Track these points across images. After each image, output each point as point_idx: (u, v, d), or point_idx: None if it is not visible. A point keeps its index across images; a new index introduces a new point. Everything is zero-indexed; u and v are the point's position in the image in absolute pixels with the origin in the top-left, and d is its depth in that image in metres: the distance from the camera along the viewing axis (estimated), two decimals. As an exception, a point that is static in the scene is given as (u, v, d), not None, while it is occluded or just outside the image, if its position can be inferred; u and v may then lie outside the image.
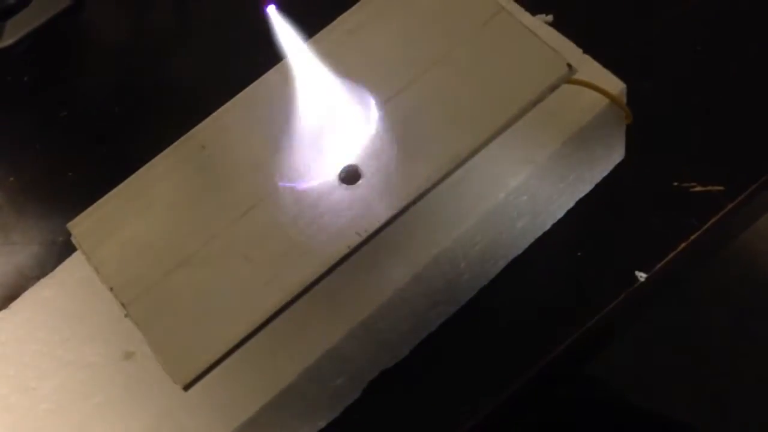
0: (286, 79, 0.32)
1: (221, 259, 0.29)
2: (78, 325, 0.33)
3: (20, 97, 0.49)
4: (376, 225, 0.29)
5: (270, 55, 0.34)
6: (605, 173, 0.39)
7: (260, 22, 0.48)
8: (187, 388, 0.27)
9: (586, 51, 0.36)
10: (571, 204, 0.38)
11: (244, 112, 0.32)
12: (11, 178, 0.46)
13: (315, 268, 0.29)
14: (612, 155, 0.38)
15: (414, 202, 0.30)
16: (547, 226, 0.38)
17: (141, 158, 0.33)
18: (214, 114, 0.32)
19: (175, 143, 0.32)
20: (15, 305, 0.35)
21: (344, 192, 0.30)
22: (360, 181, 0.30)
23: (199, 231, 0.30)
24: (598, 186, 0.39)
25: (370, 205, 0.29)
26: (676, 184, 0.38)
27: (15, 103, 0.49)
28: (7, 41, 0.50)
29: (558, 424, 0.56)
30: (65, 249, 0.38)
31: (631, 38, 0.42)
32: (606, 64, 0.36)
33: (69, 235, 0.43)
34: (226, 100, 0.33)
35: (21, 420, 0.32)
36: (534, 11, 0.40)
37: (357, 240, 0.29)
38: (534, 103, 0.30)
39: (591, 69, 0.35)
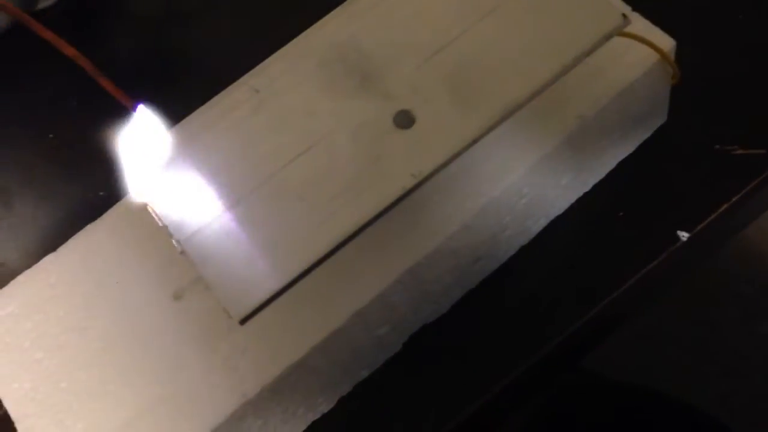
0: (339, 28, 0.32)
1: (276, 199, 0.29)
2: (127, 268, 0.34)
3: (59, 56, 0.49)
4: (431, 167, 0.29)
5: (310, 16, 0.35)
6: (647, 135, 0.39)
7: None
8: (243, 322, 0.28)
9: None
10: (613, 164, 0.39)
11: (297, 58, 0.32)
12: (51, 135, 0.47)
13: (370, 209, 0.29)
14: (656, 116, 0.38)
15: (468, 147, 0.30)
16: (589, 186, 0.38)
17: (180, 117, 0.33)
18: (268, 60, 0.33)
19: (229, 87, 0.32)
20: (64, 248, 0.35)
21: (399, 135, 0.30)
22: (414, 126, 0.30)
23: (254, 171, 0.30)
24: (639, 147, 0.39)
25: (425, 148, 0.30)
26: (717, 146, 0.39)
27: (53, 63, 0.49)
28: (47, 2, 0.50)
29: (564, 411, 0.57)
30: (106, 204, 0.38)
31: (675, 1, 0.42)
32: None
33: (109, 190, 0.43)
34: (267, 56, 0.33)
35: (73, 357, 0.32)
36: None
37: (412, 182, 0.29)
38: (588, 53, 0.31)
39: (640, 25, 0.35)
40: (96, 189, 0.44)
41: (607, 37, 0.31)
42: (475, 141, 0.30)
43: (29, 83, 0.49)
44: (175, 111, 0.46)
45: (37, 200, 0.45)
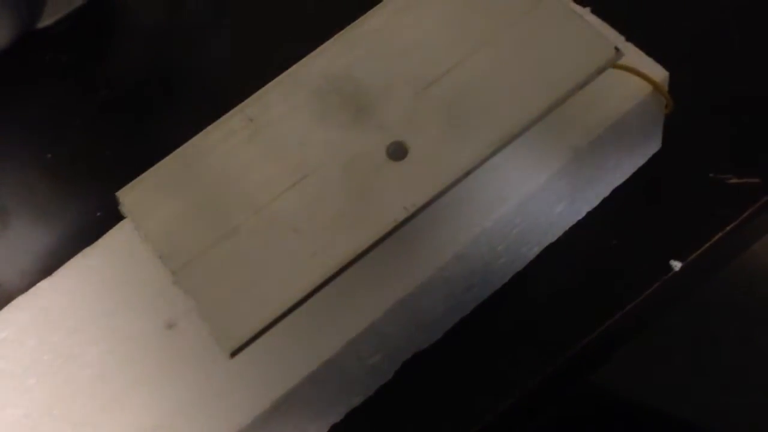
0: (334, 57, 0.33)
1: (269, 230, 0.30)
2: (121, 295, 0.34)
3: (59, 75, 0.50)
4: (424, 200, 0.29)
5: (310, 35, 0.35)
6: (641, 162, 0.39)
7: (298, 7, 0.48)
8: (233, 354, 0.28)
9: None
10: (607, 192, 0.39)
11: (291, 87, 0.32)
12: (49, 155, 0.47)
13: (362, 241, 0.29)
14: (650, 144, 0.38)
15: (460, 179, 0.30)
16: (582, 214, 0.38)
17: (178, 136, 0.33)
18: (263, 89, 0.33)
19: (224, 116, 0.32)
20: (58, 273, 0.35)
21: (392, 167, 0.30)
22: (407, 157, 0.30)
23: (248, 201, 0.30)
24: (633, 175, 0.39)
25: (418, 180, 0.30)
26: (712, 175, 0.39)
27: (54, 82, 0.50)
28: (47, 20, 0.50)
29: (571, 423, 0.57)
30: (103, 224, 0.39)
31: (668, 29, 0.42)
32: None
33: (106, 210, 0.44)
34: (265, 79, 0.34)
35: (64, 384, 0.32)
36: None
37: (404, 214, 0.29)
38: (581, 86, 0.31)
39: (633, 56, 0.35)
40: (94, 209, 0.44)
41: (600, 71, 0.31)
42: (467, 173, 0.30)
43: (28, 102, 0.49)
44: (175, 128, 0.46)
45: (34, 220, 0.45)
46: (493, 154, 0.30)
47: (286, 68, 0.34)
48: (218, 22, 0.50)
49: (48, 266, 0.40)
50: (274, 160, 0.31)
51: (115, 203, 0.33)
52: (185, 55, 0.49)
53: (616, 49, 0.31)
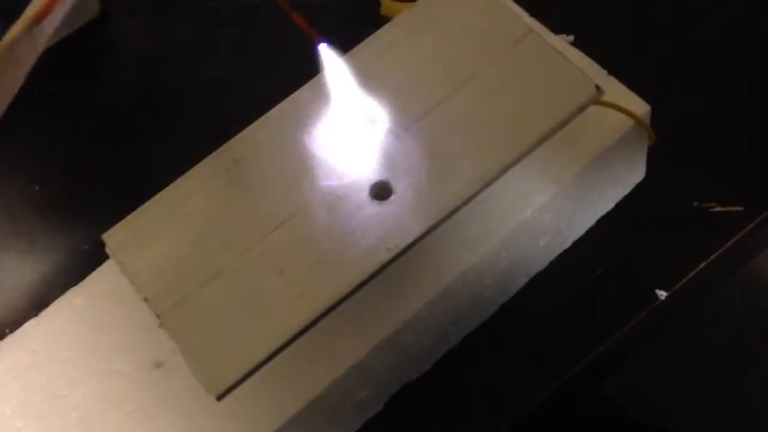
0: (319, 95, 0.33)
1: (255, 272, 0.30)
2: (108, 334, 0.34)
3: (45, 106, 0.50)
4: (408, 241, 0.30)
5: (293, 70, 0.35)
6: (626, 192, 0.39)
7: (284, 36, 0.48)
8: (220, 398, 0.28)
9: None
10: (592, 222, 0.39)
11: (277, 127, 0.33)
12: (36, 187, 0.47)
13: (347, 283, 0.29)
14: (633, 175, 0.39)
15: (444, 219, 0.30)
16: (568, 244, 0.39)
17: (165, 168, 0.34)
18: (248, 128, 0.33)
19: (209, 156, 0.32)
20: (45, 313, 0.35)
21: (375, 208, 0.30)
22: (391, 198, 0.30)
23: (233, 243, 0.30)
24: (618, 205, 0.39)
25: (402, 221, 0.30)
26: (696, 203, 0.39)
27: (40, 113, 0.50)
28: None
29: None
30: (91, 257, 0.39)
31: (651, 59, 0.43)
32: (625, 85, 0.37)
33: (94, 243, 0.43)
34: (251, 111, 0.34)
35: (52, 427, 0.32)
36: (555, 32, 0.41)
37: (388, 255, 0.29)
38: (563, 124, 0.31)
39: (615, 90, 0.35)
40: (81, 242, 0.44)
41: (582, 109, 0.31)
42: (452, 213, 0.30)
43: (15, 133, 0.49)
44: (163, 159, 0.46)
45: (22, 254, 0.45)
46: (477, 193, 0.30)
47: (276, 97, 0.34)
48: (204, 53, 0.50)
49: (36, 300, 0.39)
50: (259, 201, 0.31)
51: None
52: (173, 85, 0.49)
53: (597, 87, 0.31)
